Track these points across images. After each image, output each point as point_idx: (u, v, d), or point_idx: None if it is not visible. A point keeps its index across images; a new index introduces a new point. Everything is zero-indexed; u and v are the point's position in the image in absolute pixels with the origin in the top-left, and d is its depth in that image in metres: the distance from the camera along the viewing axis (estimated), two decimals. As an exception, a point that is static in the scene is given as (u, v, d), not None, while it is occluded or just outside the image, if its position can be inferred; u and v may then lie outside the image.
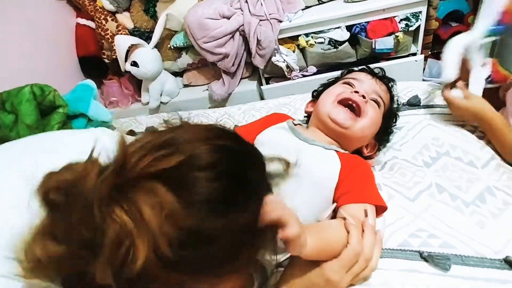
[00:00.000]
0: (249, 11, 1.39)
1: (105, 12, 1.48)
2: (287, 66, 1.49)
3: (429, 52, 1.63)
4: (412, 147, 0.69)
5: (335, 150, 0.62)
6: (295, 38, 1.48)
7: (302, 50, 1.49)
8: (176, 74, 1.70)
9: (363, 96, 0.64)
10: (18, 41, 1.21)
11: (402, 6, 1.33)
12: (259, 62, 1.49)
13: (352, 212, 0.53)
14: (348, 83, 0.68)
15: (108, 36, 1.47)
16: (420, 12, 1.35)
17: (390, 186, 0.62)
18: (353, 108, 0.64)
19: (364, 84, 0.67)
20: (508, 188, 0.57)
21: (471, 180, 0.60)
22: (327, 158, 0.61)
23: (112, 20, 1.49)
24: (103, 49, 1.53)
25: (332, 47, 1.43)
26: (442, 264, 0.48)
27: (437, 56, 1.79)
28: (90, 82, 1.04)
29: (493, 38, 0.71)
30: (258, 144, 0.64)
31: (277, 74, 1.58)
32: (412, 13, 1.35)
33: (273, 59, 1.48)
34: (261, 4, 1.39)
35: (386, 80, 0.71)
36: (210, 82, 1.63)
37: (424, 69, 1.60)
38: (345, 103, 0.64)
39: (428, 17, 1.43)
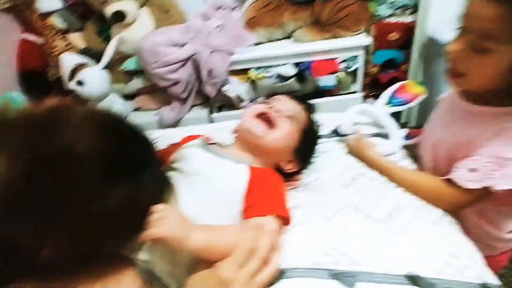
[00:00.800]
0: (201, 42, 1.45)
1: (55, 30, 1.45)
2: (238, 97, 1.54)
3: (370, 94, 1.79)
4: (333, 170, 0.72)
5: (248, 165, 0.64)
6: (245, 71, 1.55)
7: (253, 82, 1.56)
8: (127, 97, 1.68)
9: (277, 112, 0.69)
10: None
11: (342, 50, 1.47)
12: (209, 91, 1.53)
13: (254, 224, 0.53)
14: (267, 103, 0.73)
15: (55, 53, 1.43)
16: (358, 56, 1.49)
17: (309, 206, 0.63)
18: (269, 122, 0.68)
19: (281, 102, 0.72)
20: (414, 207, 0.61)
21: (383, 198, 0.64)
22: (235, 171, 0.62)
23: (61, 38, 1.47)
24: (49, 67, 1.48)
25: (280, 81, 1.52)
26: (348, 282, 0.49)
27: (376, 97, 1.96)
28: (17, 95, 0.99)
29: (400, 108, 0.83)
30: (174, 161, 0.66)
31: (228, 103, 1.62)
32: (351, 56, 1.49)
33: (224, 89, 1.52)
34: (213, 36, 1.46)
35: (304, 103, 0.76)
36: (161, 107, 1.62)
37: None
38: (261, 117, 0.69)
39: (366, 61, 1.58)
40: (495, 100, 0.57)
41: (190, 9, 1.67)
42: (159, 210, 0.44)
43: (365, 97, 1.69)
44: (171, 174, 0.61)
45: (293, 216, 0.60)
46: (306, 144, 0.73)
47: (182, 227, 0.45)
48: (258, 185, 0.60)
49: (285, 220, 0.58)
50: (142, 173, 0.40)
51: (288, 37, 1.57)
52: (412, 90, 0.83)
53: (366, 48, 1.51)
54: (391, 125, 0.80)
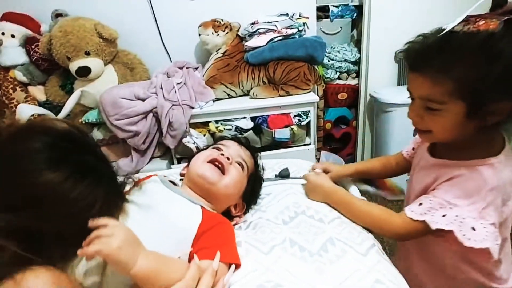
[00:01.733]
0: (163, 96, 1.53)
1: (15, 83, 1.48)
2: (197, 148, 1.58)
3: (327, 147, 1.92)
4: (275, 209, 0.76)
5: (202, 206, 0.66)
6: (206, 124, 1.63)
7: (213, 135, 1.62)
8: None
9: (228, 158, 0.72)
10: None
11: (294, 105, 1.61)
12: (169, 142, 1.57)
13: (201, 264, 0.53)
14: (217, 148, 0.76)
15: (12, 105, 1.44)
16: (309, 111, 1.64)
17: (249, 242, 0.65)
18: (220, 168, 0.71)
19: (230, 149, 0.76)
20: (346, 239, 0.65)
21: (318, 233, 0.66)
22: (190, 210, 0.63)
23: (21, 90, 1.49)
24: (4, 117, 1.47)
25: (239, 133, 1.60)
26: None
27: (332, 150, 2.10)
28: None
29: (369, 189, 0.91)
30: (132, 194, 0.65)
31: (188, 155, 1.65)
32: (303, 111, 1.63)
33: (184, 140, 1.57)
34: (175, 91, 1.55)
35: (250, 149, 0.81)
36: (120, 158, 1.62)
37: (319, 158, 1.84)
38: (212, 163, 0.71)
39: (317, 116, 1.73)
40: (467, 149, 0.60)
41: (154, 68, 1.79)
42: (108, 225, 0.44)
43: (319, 149, 1.81)
44: (126, 205, 0.61)
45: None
46: (252, 188, 0.77)
47: (128, 249, 0.44)
48: (209, 229, 0.61)
49: (235, 264, 0.59)
50: (85, 173, 0.45)
51: (246, 94, 1.71)
52: (390, 187, 0.92)
53: (316, 104, 1.66)
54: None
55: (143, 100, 1.53)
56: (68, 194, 0.43)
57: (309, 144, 1.69)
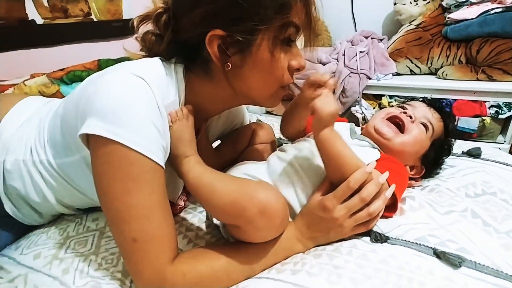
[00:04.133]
0: (344, 63, 1.58)
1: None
2: (363, 118, 1.58)
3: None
4: (459, 181, 0.69)
5: (379, 150, 0.67)
6: (378, 97, 1.59)
7: (381, 109, 1.57)
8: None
9: (410, 117, 0.69)
10: None
11: (494, 93, 1.35)
12: (339, 108, 1.62)
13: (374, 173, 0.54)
14: (402, 107, 0.74)
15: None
16: (514, 103, 1.34)
17: (424, 199, 0.63)
18: (399, 126, 0.70)
19: (416, 109, 0.71)
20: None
21: (510, 216, 0.58)
22: (370, 150, 0.66)
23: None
24: None
25: (413, 113, 1.48)
26: (453, 260, 0.48)
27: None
28: None
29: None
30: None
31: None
32: (505, 102, 1.34)
33: (352, 109, 1.59)
34: (356, 59, 1.57)
35: (443, 113, 0.74)
36: (290, 114, 1.80)
37: None
38: (392, 120, 0.70)
39: (524, 113, 1.39)
40: None
41: (337, 36, 1.85)
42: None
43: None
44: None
45: (406, 204, 0.61)
46: (435, 153, 0.72)
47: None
48: (387, 161, 0.62)
49: (394, 203, 0.59)
50: None
51: (432, 73, 1.54)
52: None
53: (527, 97, 1.34)
54: None
55: (324, 64, 1.62)
56: None
57: (502, 143, 1.40)
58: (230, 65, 0.50)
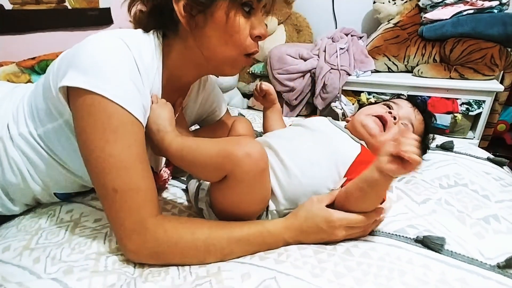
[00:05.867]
0: (324, 59, 1.60)
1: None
2: (343, 114, 1.61)
3: (491, 151, 1.62)
4: (433, 173, 0.72)
5: (361, 145, 0.69)
6: (357, 94, 1.62)
7: (361, 105, 1.61)
8: (245, 96, 1.93)
9: (394, 117, 0.71)
10: None
11: (466, 91, 1.41)
12: (319, 103, 1.64)
13: None
14: (388, 105, 0.76)
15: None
16: (483, 101, 1.40)
17: (401, 189, 0.65)
18: (383, 124, 0.71)
19: (401, 109, 0.74)
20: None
21: (480, 206, 0.61)
22: (352, 143, 0.67)
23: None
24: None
25: (390, 109, 1.53)
26: (433, 245, 0.50)
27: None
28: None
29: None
30: (303, 122, 0.75)
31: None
32: (475, 100, 1.41)
33: (332, 104, 1.62)
34: (337, 56, 1.59)
35: (425, 114, 0.77)
36: (271, 109, 1.81)
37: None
38: (377, 117, 0.71)
39: (492, 111, 1.47)
40: None
41: (318, 33, 1.87)
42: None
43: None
44: (295, 126, 0.72)
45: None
46: None
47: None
48: (367, 163, 0.64)
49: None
50: None
51: (408, 71, 1.60)
52: None
53: (495, 95, 1.41)
54: None
55: (305, 60, 1.64)
56: None
57: (472, 139, 1.47)
58: (194, 24, 0.53)
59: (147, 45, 0.55)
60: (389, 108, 0.74)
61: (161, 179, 0.69)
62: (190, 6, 0.52)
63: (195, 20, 0.53)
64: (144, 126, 0.51)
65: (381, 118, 0.71)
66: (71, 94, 0.47)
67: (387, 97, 1.53)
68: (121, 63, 0.48)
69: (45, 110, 0.54)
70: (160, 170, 0.70)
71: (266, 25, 0.59)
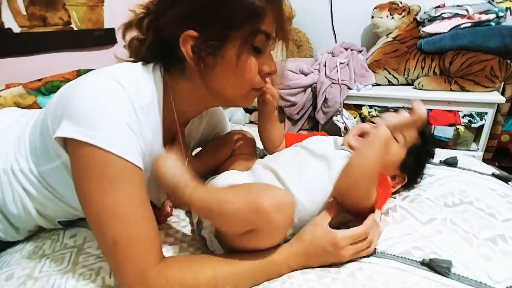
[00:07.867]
0: (325, 73, 1.61)
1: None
2: (345, 128, 1.61)
3: (495, 162, 1.61)
4: (437, 191, 0.71)
5: None
6: (359, 107, 1.63)
7: (363, 119, 1.61)
8: (247, 111, 1.94)
9: None
10: None
11: (467, 103, 1.41)
12: (321, 117, 1.65)
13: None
14: (372, 122, 0.73)
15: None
16: (486, 113, 1.40)
17: (406, 209, 0.65)
18: None
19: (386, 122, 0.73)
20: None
21: (486, 226, 0.60)
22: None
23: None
24: None
25: (392, 122, 1.53)
26: (440, 269, 0.50)
27: (503, 168, 1.75)
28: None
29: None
30: (304, 143, 0.74)
31: (334, 133, 1.70)
32: (477, 112, 1.41)
33: (334, 118, 1.63)
34: (337, 70, 1.61)
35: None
36: (273, 124, 1.82)
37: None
38: (362, 136, 0.71)
39: (495, 122, 1.47)
40: None
41: (318, 48, 1.89)
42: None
43: (486, 161, 1.54)
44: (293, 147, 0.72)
45: (389, 216, 0.63)
46: (413, 161, 0.73)
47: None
48: None
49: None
50: None
51: (409, 84, 1.60)
52: None
53: (497, 107, 1.41)
54: None
55: (306, 75, 1.65)
56: None
57: (475, 151, 1.47)
58: (202, 65, 0.52)
59: (147, 81, 0.53)
60: (374, 123, 0.74)
61: (163, 213, 0.67)
62: (199, 48, 0.51)
63: (203, 61, 0.52)
64: (143, 168, 0.49)
65: (364, 136, 0.71)
66: (68, 143, 0.47)
67: (389, 110, 1.54)
68: (114, 108, 0.46)
69: (43, 149, 0.53)
70: (163, 202, 0.69)
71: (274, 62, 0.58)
